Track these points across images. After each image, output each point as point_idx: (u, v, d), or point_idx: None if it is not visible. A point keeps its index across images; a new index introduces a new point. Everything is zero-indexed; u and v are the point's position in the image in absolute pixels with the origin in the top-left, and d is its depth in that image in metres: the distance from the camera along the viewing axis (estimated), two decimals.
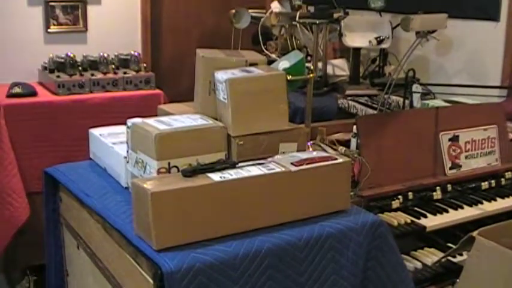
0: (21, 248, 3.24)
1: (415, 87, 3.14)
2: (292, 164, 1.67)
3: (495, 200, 2.52)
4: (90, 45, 4.40)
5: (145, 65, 4.29)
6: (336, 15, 3.44)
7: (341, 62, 3.80)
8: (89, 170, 2.08)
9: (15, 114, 3.23)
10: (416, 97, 3.12)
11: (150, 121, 1.73)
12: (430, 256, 2.28)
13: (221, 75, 1.81)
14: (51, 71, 3.96)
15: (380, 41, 3.50)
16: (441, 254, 2.26)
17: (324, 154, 1.80)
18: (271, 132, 1.81)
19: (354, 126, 2.55)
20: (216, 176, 1.56)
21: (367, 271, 1.74)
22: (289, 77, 1.93)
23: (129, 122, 1.77)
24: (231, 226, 1.57)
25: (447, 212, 2.39)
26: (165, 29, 4.84)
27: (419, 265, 2.24)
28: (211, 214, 1.54)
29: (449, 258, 2.25)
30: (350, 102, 3.41)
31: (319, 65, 3.57)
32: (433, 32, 3.13)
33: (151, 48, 4.74)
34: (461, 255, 2.26)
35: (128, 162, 1.79)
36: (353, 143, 2.57)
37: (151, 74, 4.20)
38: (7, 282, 3.36)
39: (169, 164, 1.64)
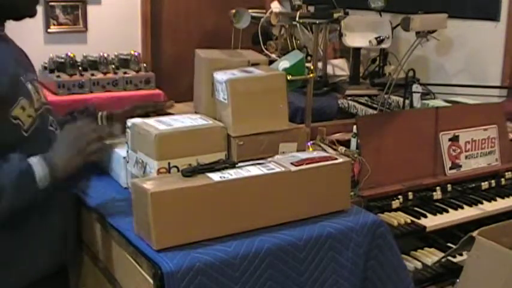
0: None
1: (415, 87, 3.14)
2: (292, 164, 1.67)
3: (495, 200, 2.52)
4: (90, 45, 4.40)
5: (145, 65, 4.29)
6: (336, 15, 3.43)
7: (341, 62, 3.80)
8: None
9: None
10: (416, 97, 3.12)
11: (150, 121, 1.73)
12: (430, 256, 2.28)
13: (221, 76, 1.80)
14: (51, 71, 3.97)
15: (380, 41, 3.50)
16: (441, 254, 2.26)
17: (324, 154, 1.80)
18: (271, 132, 1.81)
19: (354, 126, 2.55)
20: (215, 176, 1.56)
21: (367, 271, 1.74)
22: (289, 77, 1.93)
23: (129, 122, 1.76)
24: (231, 226, 1.57)
25: (447, 212, 2.39)
26: (165, 29, 4.84)
27: (419, 265, 2.24)
28: (211, 214, 1.54)
29: (449, 258, 2.25)
30: (350, 102, 3.41)
31: (319, 65, 3.57)
32: (433, 32, 3.13)
33: (151, 48, 4.75)
34: (461, 255, 2.26)
35: (127, 162, 1.79)
36: (353, 143, 2.57)
37: (151, 74, 4.20)
38: None
39: (169, 164, 1.64)
